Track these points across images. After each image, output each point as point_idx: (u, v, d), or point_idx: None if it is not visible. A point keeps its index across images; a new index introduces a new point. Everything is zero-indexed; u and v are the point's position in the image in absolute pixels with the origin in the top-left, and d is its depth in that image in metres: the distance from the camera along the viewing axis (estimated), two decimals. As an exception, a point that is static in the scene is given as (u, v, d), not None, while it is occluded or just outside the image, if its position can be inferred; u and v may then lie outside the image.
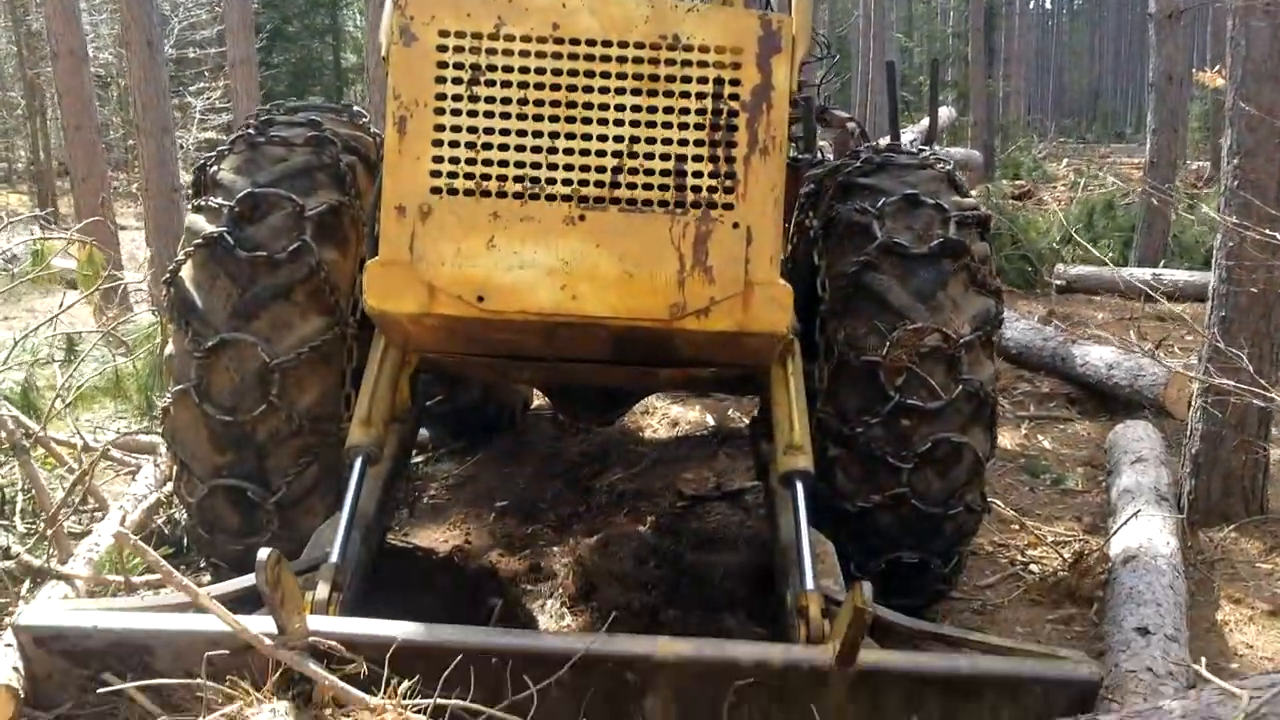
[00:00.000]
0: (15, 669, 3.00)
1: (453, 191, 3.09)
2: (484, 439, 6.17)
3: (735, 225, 3.10)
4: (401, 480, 4.49)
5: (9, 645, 3.01)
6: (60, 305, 5.85)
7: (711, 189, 3.10)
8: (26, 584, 3.88)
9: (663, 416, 6.84)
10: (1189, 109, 20.05)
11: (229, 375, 3.57)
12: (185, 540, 4.38)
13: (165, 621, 2.88)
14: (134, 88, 9.16)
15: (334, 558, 3.09)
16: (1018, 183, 17.66)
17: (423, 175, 3.09)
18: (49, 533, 4.16)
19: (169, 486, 4.83)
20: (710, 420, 6.75)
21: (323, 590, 3.00)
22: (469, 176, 3.09)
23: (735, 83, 3.12)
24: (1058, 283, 10.04)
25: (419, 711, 2.74)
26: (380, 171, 3.43)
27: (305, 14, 26.27)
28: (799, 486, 3.43)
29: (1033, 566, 4.93)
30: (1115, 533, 4.61)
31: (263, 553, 2.65)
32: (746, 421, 5.94)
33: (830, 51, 6.53)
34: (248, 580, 2.90)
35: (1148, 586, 4.06)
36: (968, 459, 3.75)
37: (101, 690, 2.85)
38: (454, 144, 3.10)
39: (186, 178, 16.04)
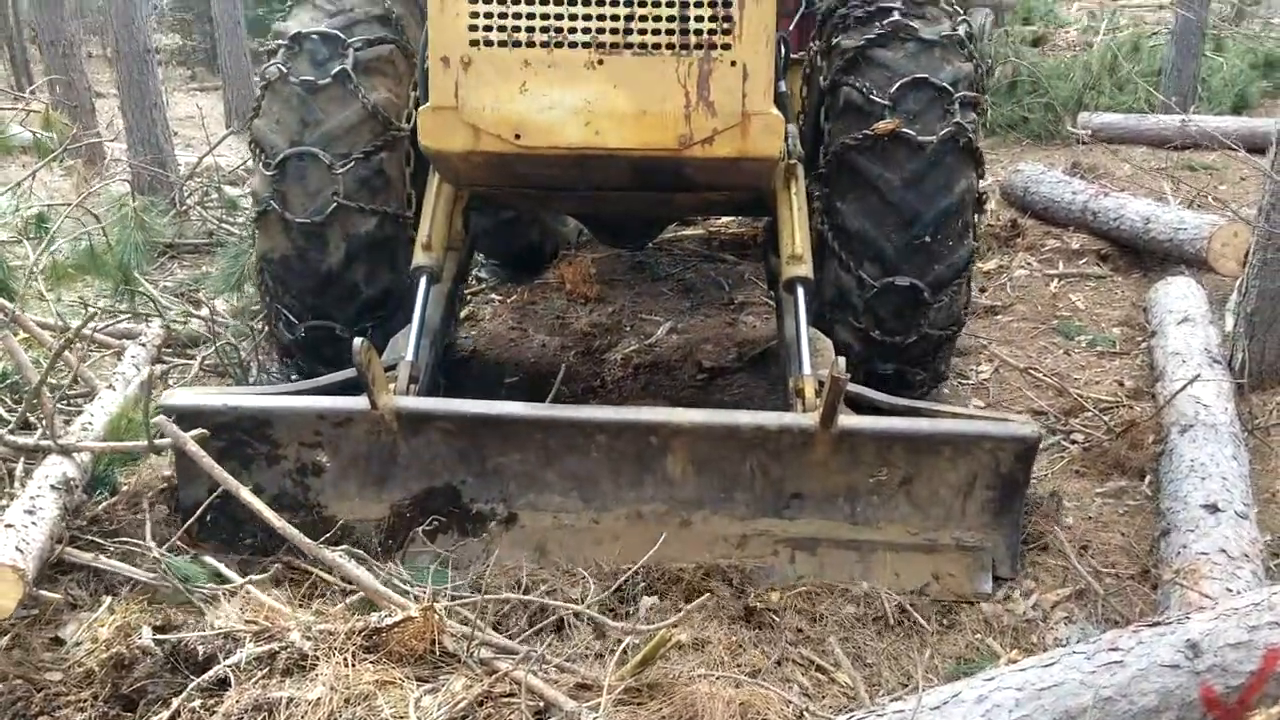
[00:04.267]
0: (18, 549, 3.09)
1: (488, 43, 3.52)
2: (521, 275, 6.43)
3: (733, 63, 3.50)
4: (459, 298, 5.03)
5: (9, 526, 3.21)
6: (28, 174, 5.39)
7: (711, 31, 3.48)
8: (20, 464, 3.77)
9: (676, 283, 6.52)
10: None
11: None
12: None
13: (280, 401, 3.68)
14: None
15: (409, 356, 3.74)
16: (1029, 28, 16.80)
17: (462, 29, 3.51)
18: (37, 411, 3.90)
19: (158, 367, 4.67)
20: (727, 285, 6.43)
21: (402, 381, 3.67)
22: (501, 29, 3.52)
23: None
24: (1082, 132, 9.55)
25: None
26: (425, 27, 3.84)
27: None
28: (800, 290, 3.95)
29: (1075, 435, 4.67)
30: (1172, 399, 4.32)
31: (357, 341, 3.33)
32: (765, 286, 5.65)
33: None
34: (341, 375, 3.67)
35: (1210, 458, 3.81)
36: None
37: None
38: (487, 0, 3.50)
39: (161, 39, 15.26)
